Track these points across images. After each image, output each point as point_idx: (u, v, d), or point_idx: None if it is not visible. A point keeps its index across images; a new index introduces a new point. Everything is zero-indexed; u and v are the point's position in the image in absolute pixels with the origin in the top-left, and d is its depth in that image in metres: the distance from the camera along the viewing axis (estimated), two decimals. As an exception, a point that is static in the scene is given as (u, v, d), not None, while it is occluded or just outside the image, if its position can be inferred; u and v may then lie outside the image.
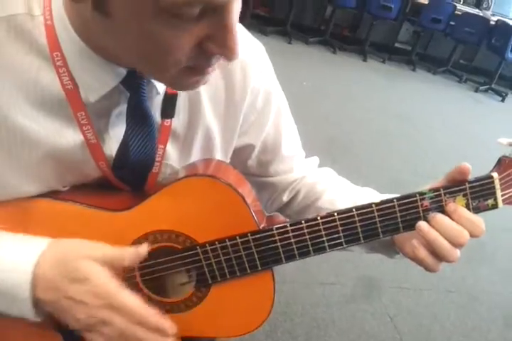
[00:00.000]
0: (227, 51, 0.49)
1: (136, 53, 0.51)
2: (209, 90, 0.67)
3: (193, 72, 0.52)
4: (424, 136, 4.28)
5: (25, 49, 0.55)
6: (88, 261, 0.57)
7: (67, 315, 0.57)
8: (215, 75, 0.66)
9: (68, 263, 0.57)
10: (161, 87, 0.62)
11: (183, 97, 0.65)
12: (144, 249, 0.59)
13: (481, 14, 6.37)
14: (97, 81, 0.57)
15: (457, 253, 0.62)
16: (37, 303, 0.57)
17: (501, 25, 6.09)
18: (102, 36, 0.51)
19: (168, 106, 0.64)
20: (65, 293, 0.56)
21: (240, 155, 0.77)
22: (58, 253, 0.58)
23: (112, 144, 0.63)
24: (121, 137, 0.62)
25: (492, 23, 6.16)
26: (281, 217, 0.73)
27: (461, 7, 6.33)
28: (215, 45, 0.49)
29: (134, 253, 0.59)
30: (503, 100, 6.29)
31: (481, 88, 6.41)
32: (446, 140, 4.23)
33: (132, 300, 0.57)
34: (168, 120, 0.65)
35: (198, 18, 0.45)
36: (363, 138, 3.80)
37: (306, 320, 1.90)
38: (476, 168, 0.64)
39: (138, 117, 0.61)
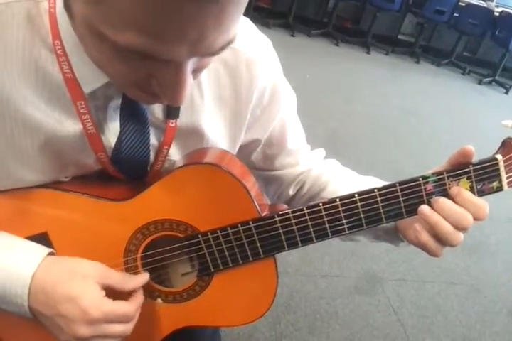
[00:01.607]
0: (169, 101, 0.49)
1: (93, 60, 0.52)
2: (214, 90, 0.66)
3: (151, 94, 0.51)
4: (427, 128, 4.27)
5: (28, 35, 0.54)
6: (86, 280, 0.59)
7: (58, 331, 0.59)
8: (220, 74, 0.66)
9: (65, 281, 0.59)
10: None
11: (186, 97, 0.64)
12: (145, 276, 0.65)
13: (485, 5, 6.32)
14: (93, 74, 0.56)
15: (460, 236, 0.60)
16: (33, 311, 0.59)
17: (505, 16, 6.04)
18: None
19: (172, 107, 0.63)
20: (57, 311, 0.58)
21: (245, 150, 0.77)
22: (55, 269, 0.60)
23: (111, 137, 0.63)
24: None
25: (496, 14, 6.12)
26: (283, 206, 0.72)
27: (465, -2, 6.29)
28: (161, 90, 0.48)
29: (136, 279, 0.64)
30: (506, 92, 6.26)
31: (484, 80, 6.38)
32: (450, 132, 4.21)
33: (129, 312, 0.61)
34: (173, 121, 0.64)
35: (145, 59, 0.43)
36: (366, 131, 3.79)
37: (309, 312, 1.90)
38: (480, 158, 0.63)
39: (131, 114, 0.61)
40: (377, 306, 2.03)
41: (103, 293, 0.60)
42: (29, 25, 0.54)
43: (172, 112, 0.64)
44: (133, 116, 0.61)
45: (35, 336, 0.67)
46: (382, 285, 2.16)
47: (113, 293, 0.61)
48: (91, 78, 0.57)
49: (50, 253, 0.62)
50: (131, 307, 0.62)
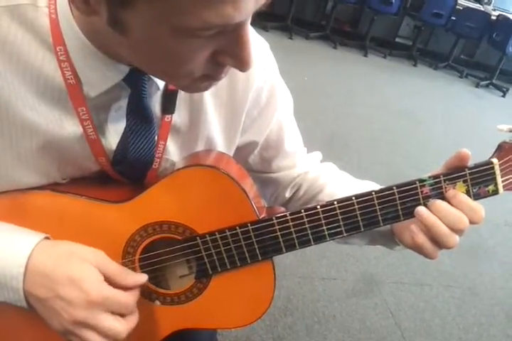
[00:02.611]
0: (241, 64, 0.50)
1: (150, 64, 0.52)
2: (211, 88, 0.67)
3: (206, 78, 0.53)
4: (424, 131, 4.28)
5: (29, 38, 0.54)
6: (84, 263, 0.58)
7: (52, 315, 0.57)
8: None
9: (64, 262, 0.58)
10: (161, 83, 0.62)
11: (183, 93, 0.64)
12: (144, 277, 0.63)
13: (482, 9, 6.34)
14: (100, 77, 0.57)
15: (456, 239, 0.61)
16: (27, 296, 0.58)
17: (502, 20, 6.06)
18: (112, 42, 0.51)
19: (169, 102, 0.64)
20: (56, 293, 0.56)
21: (242, 152, 0.77)
22: (53, 250, 0.59)
23: (111, 139, 0.63)
24: (121, 132, 0.62)
25: (493, 17, 6.14)
26: (281, 209, 0.73)
27: (462, 2, 6.30)
28: (229, 58, 0.49)
29: (135, 277, 0.63)
30: (503, 95, 6.27)
31: (481, 83, 6.40)
32: (447, 135, 4.22)
33: (128, 302, 0.59)
34: (169, 116, 0.65)
35: (214, 35, 0.45)
36: (364, 134, 3.80)
37: (307, 315, 1.90)
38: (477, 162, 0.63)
39: (138, 114, 0.61)
40: (374, 309, 2.03)
41: (102, 277, 0.59)
42: (29, 28, 0.54)
43: (167, 108, 0.64)
44: (139, 116, 0.61)
45: (27, 333, 0.67)
46: (379, 288, 2.16)
47: (109, 283, 0.59)
48: (98, 81, 0.57)
49: (46, 238, 0.61)
50: (129, 297, 0.60)
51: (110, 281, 0.59)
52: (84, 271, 0.58)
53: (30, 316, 0.60)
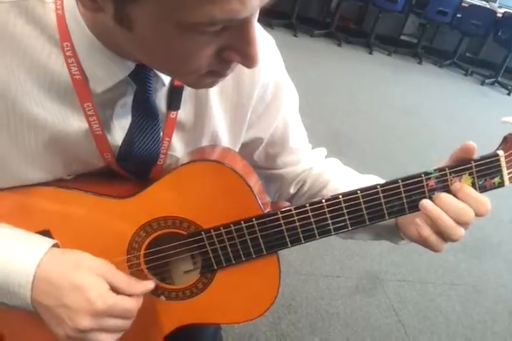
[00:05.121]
0: (248, 60, 0.49)
1: (156, 61, 0.52)
2: (217, 84, 0.67)
3: (212, 74, 0.53)
4: (429, 128, 4.26)
5: (36, 33, 0.55)
6: (90, 272, 0.59)
7: (57, 323, 0.58)
8: None
9: (70, 272, 0.58)
10: (166, 79, 0.62)
11: (189, 89, 0.64)
12: (151, 284, 0.64)
13: (488, 6, 6.31)
14: (106, 73, 0.57)
15: (462, 231, 0.60)
16: (34, 304, 0.58)
17: (508, 17, 6.03)
18: (118, 38, 0.51)
19: (174, 99, 0.64)
20: (61, 301, 0.57)
21: (247, 148, 0.77)
22: (61, 259, 0.60)
23: (117, 135, 0.63)
24: (127, 128, 0.62)
25: (499, 15, 6.11)
26: (286, 203, 0.72)
27: (468, -1, 6.28)
28: (236, 54, 0.49)
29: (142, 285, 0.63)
30: (509, 93, 6.24)
31: (487, 81, 6.37)
32: (452, 133, 4.20)
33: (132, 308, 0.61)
34: (174, 112, 0.65)
35: (220, 31, 0.45)
36: (368, 131, 3.79)
37: (311, 313, 1.90)
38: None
39: (144, 110, 0.61)
40: (378, 307, 2.03)
41: (108, 286, 0.59)
42: (37, 23, 0.54)
43: (173, 104, 0.64)
44: (145, 112, 0.61)
45: (38, 334, 0.67)
46: (383, 286, 2.16)
47: (115, 292, 0.60)
48: (105, 77, 0.57)
49: (54, 245, 0.61)
50: (133, 303, 0.61)
51: (117, 290, 0.60)
52: (90, 280, 0.58)
53: (38, 318, 0.60)
